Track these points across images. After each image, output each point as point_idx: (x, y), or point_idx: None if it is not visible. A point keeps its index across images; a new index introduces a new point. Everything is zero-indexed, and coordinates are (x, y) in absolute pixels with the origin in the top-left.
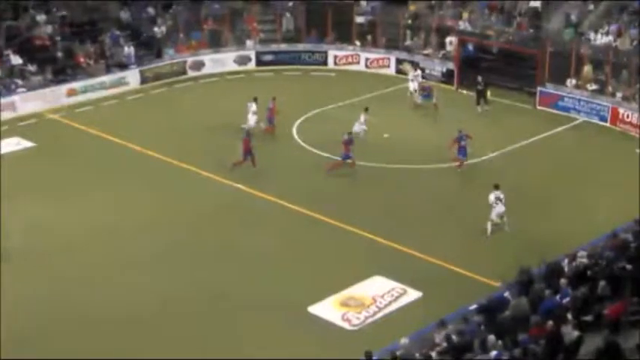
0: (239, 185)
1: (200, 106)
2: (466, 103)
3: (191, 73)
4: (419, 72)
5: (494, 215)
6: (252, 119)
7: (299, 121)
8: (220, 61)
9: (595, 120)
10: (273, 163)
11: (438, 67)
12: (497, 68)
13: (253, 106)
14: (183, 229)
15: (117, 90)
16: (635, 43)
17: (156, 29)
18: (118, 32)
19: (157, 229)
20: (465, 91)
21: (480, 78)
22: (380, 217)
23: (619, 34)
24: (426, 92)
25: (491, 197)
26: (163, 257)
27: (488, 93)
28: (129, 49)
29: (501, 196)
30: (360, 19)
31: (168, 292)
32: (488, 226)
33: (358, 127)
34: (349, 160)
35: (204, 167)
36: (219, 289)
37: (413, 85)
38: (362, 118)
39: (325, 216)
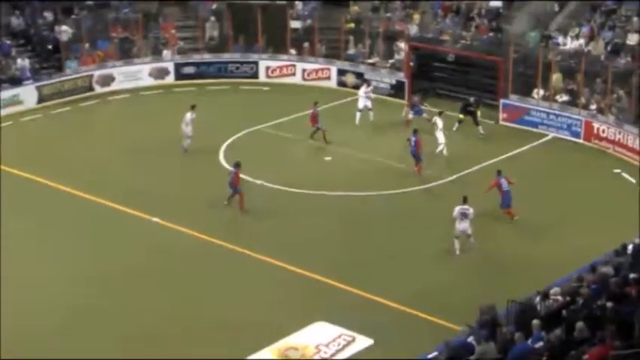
0: (155, 219)
1: (110, 128)
2: (420, 119)
3: (99, 89)
4: (371, 87)
5: (458, 231)
6: (188, 130)
7: (227, 143)
8: (133, 75)
9: (567, 136)
10: (195, 191)
11: (386, 79)
12: (454, 78)
13: (188, 116)
14: (93, 269)
15: (9, 110)
16: (609, 47)
17: (56, 37)
18: (8, 41)
19: (63, 277)
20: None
21: (472, 99)
22: (322, 253)
23: (591, 38)
24: (417, 107)
25: (457, 210)
26: (71, 307)
27: (479, 113)
28: (23, 62)
29: (469, 211)
30: (295, 24)
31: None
32: (455, 244)
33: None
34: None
35: (116, 199)
36: (136, 338)
37: (363, 102)
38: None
39: (256, 252)
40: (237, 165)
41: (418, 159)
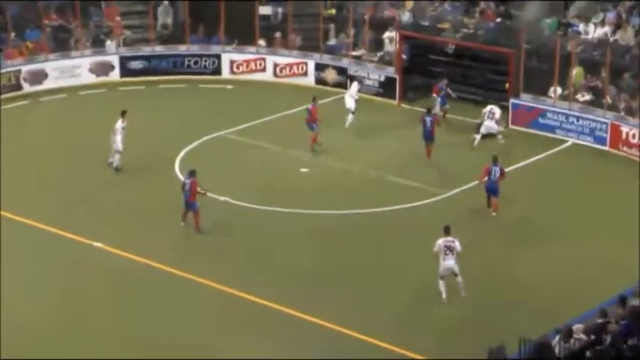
0: (98, 244)
1: (43, 135)
2: (413, 123)
3: (28, 88)
4: (355, 84)
5: (443, 270)
6: (117, 142)
7: (183, 153)
8: (69, 71)
9: (589, 142)
10: (145, 210)
11: (373, 75)
12: (454, 74)
13: (118, 125)
14: (28, 302)
15: None
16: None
17: None
18: None
19: None
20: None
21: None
22: (287, 280)
23: (618, 25)
24: (442, 92)
25: (440, 244)
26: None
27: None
28: None
29: (454, 244)
30: (265, 10)
31: None
32: (441, 286)
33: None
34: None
35: (50, 220)
36: None
37: (351, 103)
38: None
39: (212, 280)
40: (192, 173)
41: (431, 140)
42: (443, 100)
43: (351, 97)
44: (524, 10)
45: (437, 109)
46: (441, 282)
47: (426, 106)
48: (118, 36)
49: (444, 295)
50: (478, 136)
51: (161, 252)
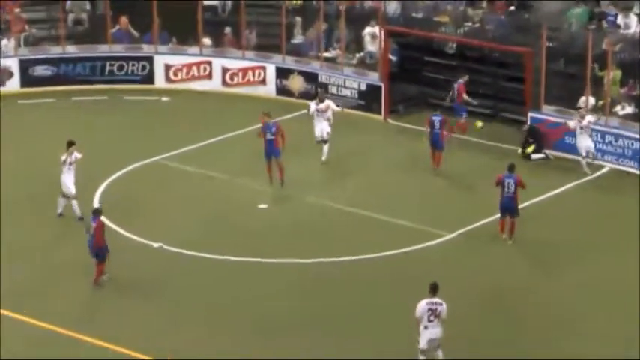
0: None
1: None
2: (405, 144)
3: None
4: (328, 103)
5: (424, 342)
6: (69, 184)
7: (105, 184)
8: None
9: (632, 167)
10: (50, 261)
11: (351, 83)
12: (455, 80)
13: (67, 161)
14: None
15: None
16: None
17: None
18: None
19: None
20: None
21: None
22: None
23: None
24: (460, 101)
25: (422, 307)
26: None
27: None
28: None
29: (441, 307)
30: (210, 1)
31: None
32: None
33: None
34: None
35: None
36: None
37: (321, 127)
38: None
39: (130, 348)
40: (97, 213)
41: (440, 147)
42: (458, 108)
43: (327, 120)
44: None
45: (464, 116)
46: (421, 357)
47: (419, 121)
48: (18, 33)
49: None
50: (585, 161)
51: (69, 314)
